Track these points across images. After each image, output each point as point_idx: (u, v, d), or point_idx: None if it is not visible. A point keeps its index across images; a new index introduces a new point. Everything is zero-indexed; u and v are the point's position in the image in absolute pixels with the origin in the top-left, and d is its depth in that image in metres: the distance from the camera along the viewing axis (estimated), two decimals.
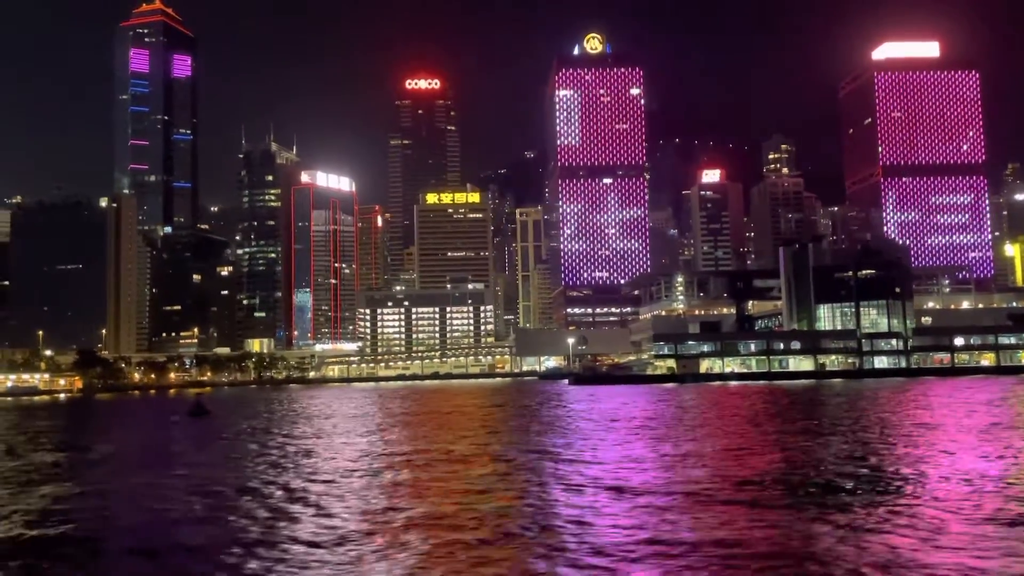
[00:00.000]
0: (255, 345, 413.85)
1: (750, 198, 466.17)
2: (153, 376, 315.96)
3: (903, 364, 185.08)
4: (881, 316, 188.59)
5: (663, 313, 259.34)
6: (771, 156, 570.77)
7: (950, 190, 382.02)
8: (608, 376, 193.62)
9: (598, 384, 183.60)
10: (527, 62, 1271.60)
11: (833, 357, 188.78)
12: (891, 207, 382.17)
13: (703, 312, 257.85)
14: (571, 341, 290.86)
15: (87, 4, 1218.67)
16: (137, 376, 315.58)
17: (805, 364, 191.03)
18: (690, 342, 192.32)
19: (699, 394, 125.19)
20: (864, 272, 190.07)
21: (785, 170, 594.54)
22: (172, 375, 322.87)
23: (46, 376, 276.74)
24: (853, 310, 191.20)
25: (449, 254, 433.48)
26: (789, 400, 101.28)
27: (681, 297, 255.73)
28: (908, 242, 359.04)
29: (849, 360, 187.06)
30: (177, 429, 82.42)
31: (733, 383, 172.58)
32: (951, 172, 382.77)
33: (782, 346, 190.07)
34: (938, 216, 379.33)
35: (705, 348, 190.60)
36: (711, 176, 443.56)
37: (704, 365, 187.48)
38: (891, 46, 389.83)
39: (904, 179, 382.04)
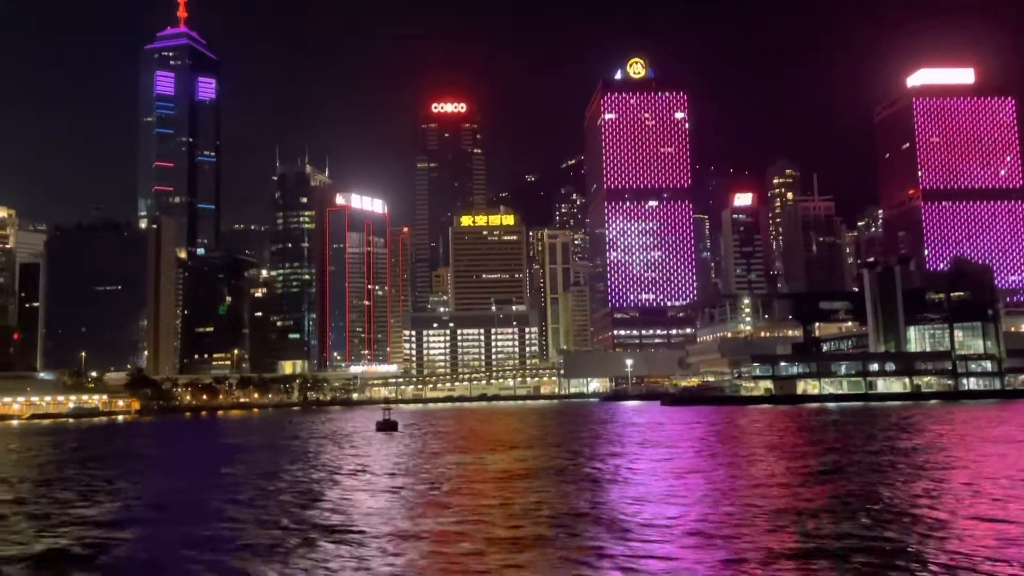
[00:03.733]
0: (287, 367, 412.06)
1: (779, 221, 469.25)
2: (205, 397, 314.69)
3: (997, 386, 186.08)
4: (973, 338, 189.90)
5: (729, 335, 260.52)
6: (776, 181, 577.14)
7: (989, 214, 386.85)
8: (702, 397, 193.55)
9: (691, 405, 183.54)
10: (549, 86, 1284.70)
11: (927, 379, 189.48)
12: (932, 230, 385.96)
13: (768, 334, 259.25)
14: (630, 363, 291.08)
15: (105, 26, 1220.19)
16: (188, 398, 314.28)
17: (895, 386, 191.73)
18: (783, 363, 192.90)
19: (853, 419, 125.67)
20: (956, 294, 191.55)
21: (790, 195, 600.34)
22: (221, 396, 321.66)
23: (104, 398, 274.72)
24: (943, 332, 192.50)
25: (484, 276, 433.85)
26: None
27: (748, 319, 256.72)
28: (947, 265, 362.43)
29: (944, 382, 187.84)
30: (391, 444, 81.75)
31: (831, 404, 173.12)
32: (990, 196, 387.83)
33: (876, 367, 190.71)
34: (978, 239, 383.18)
35: (799, 369, 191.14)
36: (743, 200, 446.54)
37: (800, 386, 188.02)
38: (927, 72, 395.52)
39: (944, 203, 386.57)
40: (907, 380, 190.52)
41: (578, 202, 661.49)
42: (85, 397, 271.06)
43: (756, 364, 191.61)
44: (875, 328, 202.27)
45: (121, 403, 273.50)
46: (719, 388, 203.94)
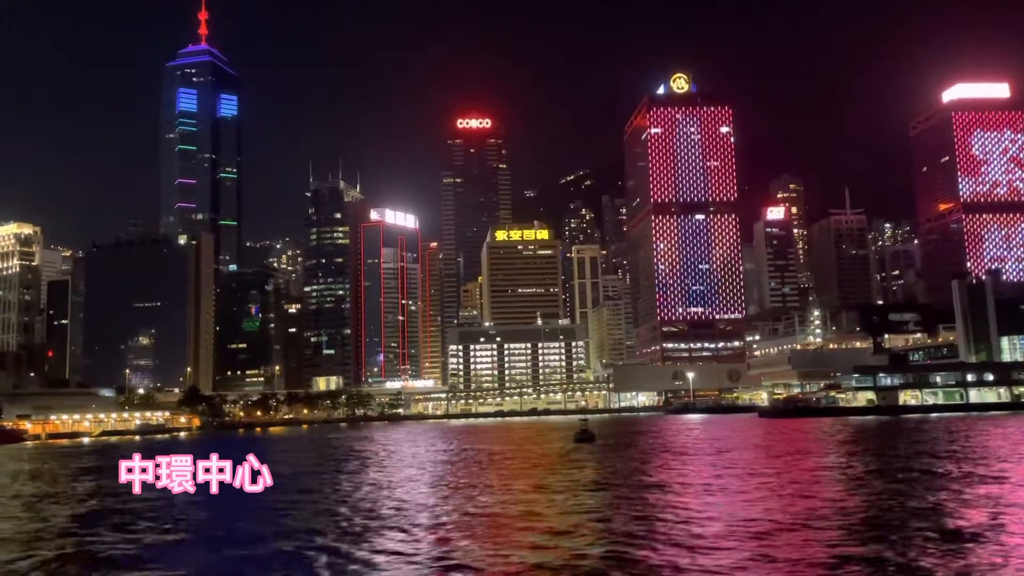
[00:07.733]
0: (321, 383, 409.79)
1: (811, 234, 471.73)
2: (259, 413, 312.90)
3: None
4: None
5: (798, 347, 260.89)
6: (780, 196, 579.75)
7: None
8: (806, 409, 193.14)
9: (794, 417, 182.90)
10: (567, 103, 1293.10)
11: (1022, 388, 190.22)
12: (973, 243, 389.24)
13: (836, 346, 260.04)
14: (691, 375, 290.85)
15: (126, 44, 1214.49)
16: (241, 414, 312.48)
17: (989, 396, 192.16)
18: (881, 374, 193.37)
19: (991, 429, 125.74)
20: None
21: (795, 209, 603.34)
22: (273, 412, 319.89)
23: (167, 414, 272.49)
24: None
25: (519, 290, 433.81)
26: None
27: (818, 331, 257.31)
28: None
29: None
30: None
31: (934, 415, 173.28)
32: None
33: (973, 378, 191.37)
34: (1020, 252, 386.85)
35: (898, 380, 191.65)
36: (776, 213, 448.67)
37: (901, 397, 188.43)
38: (963, 87, 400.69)
39: (985, 215, 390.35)
40: (1002, 390, 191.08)
41: (587, 217, 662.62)
42: (148, 414, 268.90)
43: (855, 375, 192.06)
44: (965, 338, 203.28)
45: (183, 420, 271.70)
46: (813, 400, 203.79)
